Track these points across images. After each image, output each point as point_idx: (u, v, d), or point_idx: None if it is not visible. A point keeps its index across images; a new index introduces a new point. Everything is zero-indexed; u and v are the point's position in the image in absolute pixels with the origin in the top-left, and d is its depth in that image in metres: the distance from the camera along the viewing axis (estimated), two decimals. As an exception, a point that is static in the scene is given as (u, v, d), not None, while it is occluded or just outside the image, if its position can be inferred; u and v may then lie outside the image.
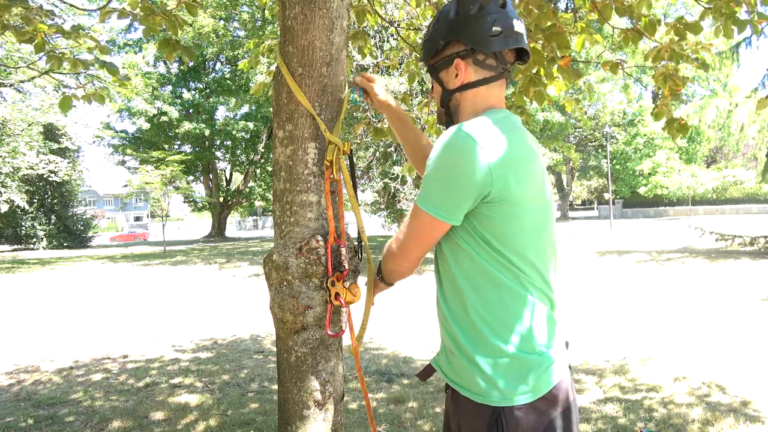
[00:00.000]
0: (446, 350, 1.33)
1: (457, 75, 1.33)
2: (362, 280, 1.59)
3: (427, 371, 1.43)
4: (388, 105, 1.66)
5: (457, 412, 1.28)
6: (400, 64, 4.15)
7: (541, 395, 1.19)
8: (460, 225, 1.24)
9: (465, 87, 1.33)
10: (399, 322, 6.84)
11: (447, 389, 1.39)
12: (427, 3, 3.41)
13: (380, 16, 3.46)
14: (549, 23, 2.56)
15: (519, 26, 1.32)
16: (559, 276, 1.35)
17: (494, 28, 1.29)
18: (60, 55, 2.90)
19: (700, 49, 2.65)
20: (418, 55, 3.59)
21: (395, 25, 3.70)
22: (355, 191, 1.63)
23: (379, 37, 9.76)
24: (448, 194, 1.20)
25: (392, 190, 12.56)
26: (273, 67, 3.84)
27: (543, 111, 18.81)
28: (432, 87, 1.44)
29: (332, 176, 1.58)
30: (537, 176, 1.27)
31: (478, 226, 1.22)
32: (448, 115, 1.39)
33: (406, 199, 12.34)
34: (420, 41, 3.68)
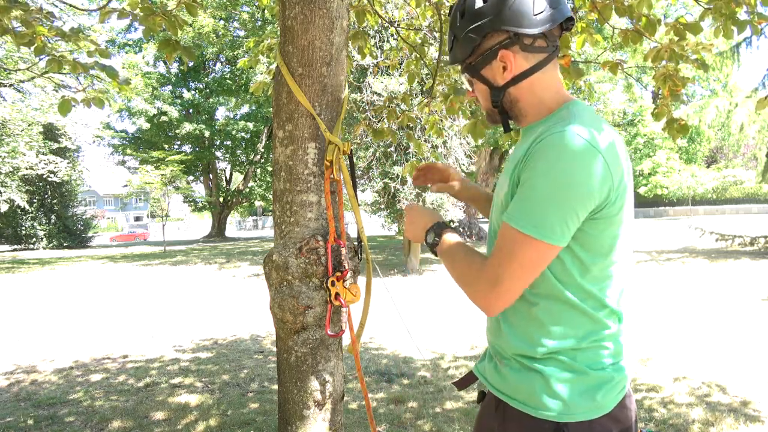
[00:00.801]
0: (496, 361, 1.23)
1: (505, 68, 1.17)
2: (362, 280, 1.59)
3: (467, 380, 1.33)
4: (465, 192, 1.57)
5: (506, 425, 1.18)
6: (400, 64, 4.15)
7: (606, 412, 1.11)
8: None
9: (518, 79, 1.17)
10: (399, 322, 6.84)
11: (482, 399, 1.29)
12: (427, 3, 3.41)
13: (380, 16, 3.46)
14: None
15: None
16: (631, 285, 1.24)
17: (537, 5, 1.13)
18: (60, 57, 2.90)
19: (701, 49, 2.65)
20: (417, 55, 3.59)
21: (395, 25, 3.70)
22: (355, 191, 1.63)
23: (379, 37, 9.77)
24: (567, 212, 1.02)
25: (392, 190, 12.55)
26: (273, 66, 3.84)
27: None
28: (472, 87, 1.27)
29: (332, 176, 1.58)
30: (631, 181, 1.14)
31: (573, 244, 1.08)
32: (504, 113, 1.23)
33: (406, 199, 12.34)
34: (420, 41, 3.68)
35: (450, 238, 1.26)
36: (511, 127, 1.27)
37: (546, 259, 1.07)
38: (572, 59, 2.65)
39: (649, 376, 4.33)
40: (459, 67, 1.32)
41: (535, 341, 1.13)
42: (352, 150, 1.63)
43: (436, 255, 1.29)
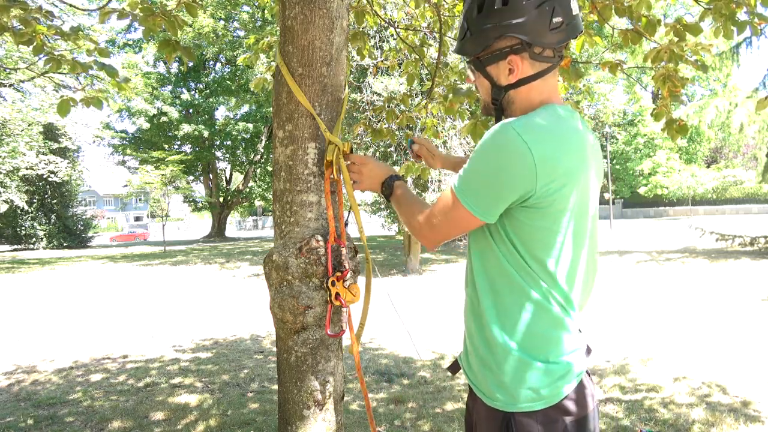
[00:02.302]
0: (466, 348, 1.32)
1: (511, 71, 1.21)
2: (361, 280, 1.59)
3: (456, 365, 1.40)
4: (441, 163, 1.77)
5: (475, 410, 1.29)
6: (400, 64, 4.15)
7: (553, 403, 1.16)
8: (494, 224, 1.20)
9: (520, 83, 1.22)
10: (399, 322, 6.84)
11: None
12: (426, 4, 3.41)
13: (380, 17, 3.46)
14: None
15: (575, 6, 1.19)
16: (590, 282, 1.31)
17: (555, 20, 1.15)
18: (59, 56, 2.90)
19: (700, 50, 2.65)
20: (417, 57, 3.59)
21: (395, 26, 3.69)
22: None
23: (380, 37, 9.77)
24: (489, 192, 1.15)
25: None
26: (273, 64, 3.84)
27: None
28: (474, 76, 1.32)
29: (332, 176, 1.58)
30: (585, 184, 1.20)
31: (509, 227, 1.18)
32: (498, 110, 1.28)
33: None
34: (418, 43, 3.68)
35: (401, 188, 1.43)
36: None
37: (470, 224, 1.22)
38: (572, 60, 2.65)
39: (649, 377, 4.33)
40: (459, 64, 1.38)
41: (487, 327, 1.21)
42: (353, 149, 1.62)
43: (389, 201, 1.47)
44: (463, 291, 1.35)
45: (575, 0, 1.20)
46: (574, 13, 1.18)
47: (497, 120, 1.29)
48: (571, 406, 1.17)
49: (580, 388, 1.20)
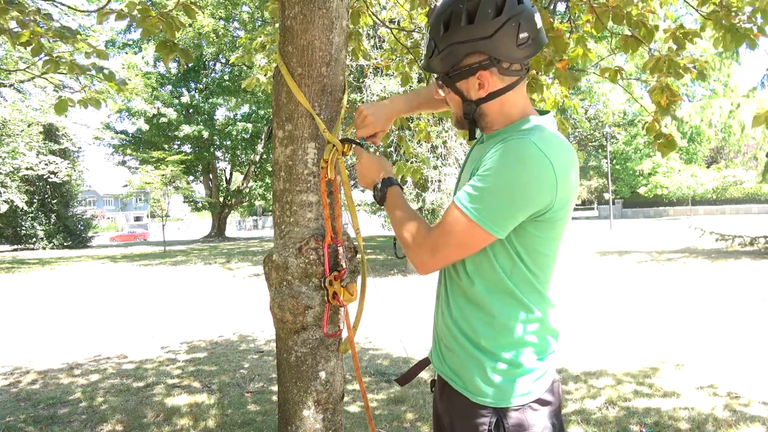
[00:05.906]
0: (442, 345, 1.32)
1: (481, 86, 1.23)
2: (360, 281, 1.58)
3: (409, 376, 1.44)
4: (398, 115, 1.61)
5: (450, 409, 1.29)
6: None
7: (537, 397, 1.23)
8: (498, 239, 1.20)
9: (491, 97, 1.24)
10: (398, 322, 6.84)
11: (434, 384, 1.39)
12: (420, 9, 3.41)
13: (376, 17, 3.46)
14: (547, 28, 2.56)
15: (539, 20, 1.21)
16: (558, 278, 1.34)
17: (521, 36, 1.18)
18: (57, 58, 2.90)
19: (699, 66, 2.65)
20: (412, 57, 3.59)
21: (386, 24, 3.69)
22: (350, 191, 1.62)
23: (378, 37, 9.77)
24: (509, 210, 1.14)
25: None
26: (266, 63, 3.84)
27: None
28: (443, 91, 1.32)
29: (327, 176, 1.58)
30: (576, 188, 1.25)
31: (515, 240, 1.19)
32: (472, 123, 1.29)
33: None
34: (413, 44, 3.68)
35: (396, 196, 1.36)
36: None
37: (482, 244, 1.18)
38: (568, 65, 2.63)
39: (652, 378, 4.33)
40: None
41: (478, 330, 1.23)
42: (361, 143, 1.59)
43: (381, 205, 1.40)
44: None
45: (538, 15, 1.21)
46: (538, 28, 1.21)
47: (471, 132, 1.32)
48: (549, 397, 1.25)
49: (554, 381, 1.28)
